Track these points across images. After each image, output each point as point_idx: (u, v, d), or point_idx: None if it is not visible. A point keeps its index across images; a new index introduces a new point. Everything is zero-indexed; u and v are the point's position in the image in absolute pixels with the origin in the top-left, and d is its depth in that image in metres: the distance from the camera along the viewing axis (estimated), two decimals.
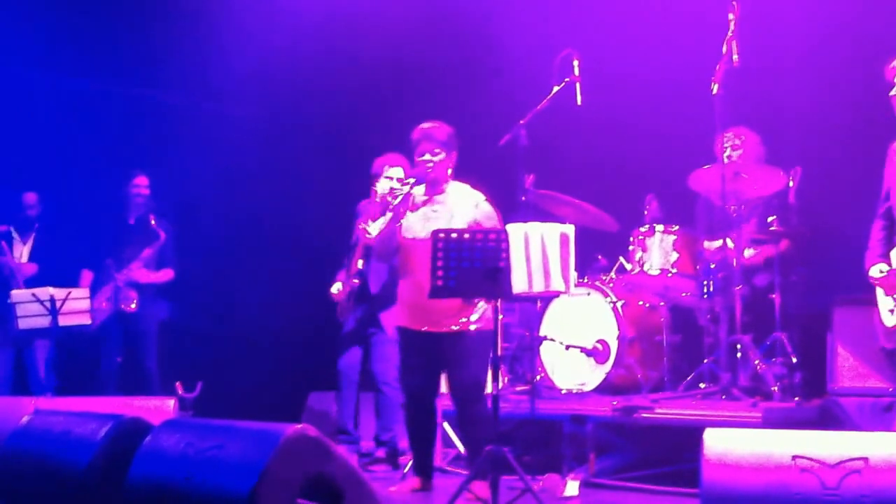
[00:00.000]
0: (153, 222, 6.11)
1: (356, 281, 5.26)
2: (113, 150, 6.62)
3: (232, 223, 7.01)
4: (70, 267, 6.19)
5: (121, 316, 6.06)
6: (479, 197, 4.35)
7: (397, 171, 5.09)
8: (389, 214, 4.37)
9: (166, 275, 6.24)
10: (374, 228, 4.69)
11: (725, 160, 5.05)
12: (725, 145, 5.10)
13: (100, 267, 6.13)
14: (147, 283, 6.15)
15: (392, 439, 5.26)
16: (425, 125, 4.36)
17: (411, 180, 4.35)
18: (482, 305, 4.24)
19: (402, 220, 4.33)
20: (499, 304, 3.94)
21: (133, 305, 6.04)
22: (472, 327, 4.22)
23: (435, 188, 4.37)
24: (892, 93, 3.57)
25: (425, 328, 4.28)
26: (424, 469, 4.42)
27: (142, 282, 6.12)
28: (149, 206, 6.24)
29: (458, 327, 4.22)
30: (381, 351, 5.24)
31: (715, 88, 4.73)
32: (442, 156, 4.30)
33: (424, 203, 4.36)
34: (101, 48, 6.61)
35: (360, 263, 5.24)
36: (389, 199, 4.41)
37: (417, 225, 4.30)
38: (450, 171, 4.38)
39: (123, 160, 6.43)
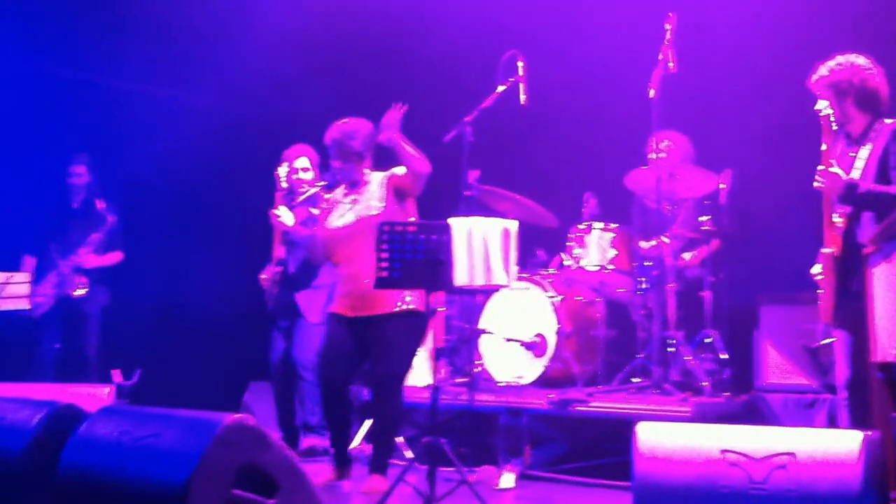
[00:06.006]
0: (100, 206, 6.01)
1: (278, 268, 5.23)
2: (56, 134, 6.49)
3: (174, 210, 6.91)
4: (12, 252, 6.06)
5: (64, 301, 5.96)
6: (387, 173, 4.39)
7: (302, 161, 5.21)
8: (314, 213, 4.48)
9: (115, 257, 6.16)
10: (286, 215, 4.69)
11: (654, 158, 5.17)
12: (653, 151, 5.21)
13: (42, 252, 6.02)
14: (95, 267, 6.04)
15: (321, 423, 5.21)
16: (335, 131, 4.41)
17: (323, 183, 4.53)
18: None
19: (324, 217, 4.42)
20: (434, 296, 3.95)
21: (78, 291, 5.93)
22: (397, 309, 4.19)
23: (354, 183, 4.45)
24: (816, 106, 3.64)
25: (359, 314, 4.26)
26: (341, 458, 4.38)
27: (90, 267, 6.01)
28: (92, 190, 6.13)
29: (395, 309, 4.19)
30: (303, 337, 5.17)
31: (652, 93, 4.86)
32: (353, 163, 4.39)
33: (346, 195, 4.44)
34: (45, 32, 6.45)
35: (278, 250, 5.22)
36: (300, 198, 4.58)
37: (339, 215, 4.39)
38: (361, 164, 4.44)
39: (67, 144, 6.31)
